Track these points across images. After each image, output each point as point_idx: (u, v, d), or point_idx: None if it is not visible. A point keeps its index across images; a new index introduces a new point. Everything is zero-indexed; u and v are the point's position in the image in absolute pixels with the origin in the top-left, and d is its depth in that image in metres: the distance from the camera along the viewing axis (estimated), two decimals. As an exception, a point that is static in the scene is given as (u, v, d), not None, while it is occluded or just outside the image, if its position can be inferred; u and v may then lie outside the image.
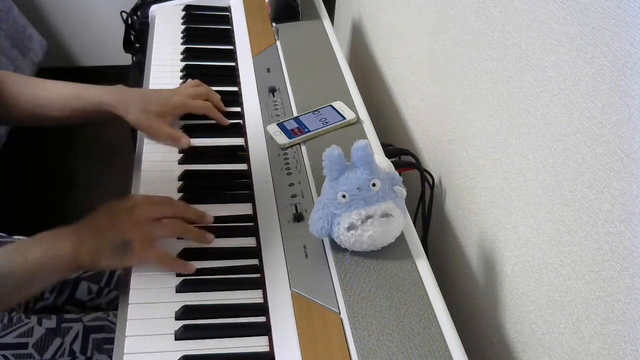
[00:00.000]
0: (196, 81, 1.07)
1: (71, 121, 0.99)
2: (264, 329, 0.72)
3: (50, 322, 0.93)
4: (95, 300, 1.05)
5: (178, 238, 0.81)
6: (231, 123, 1.04)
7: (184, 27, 1.30)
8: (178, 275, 0.78)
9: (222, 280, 0.78)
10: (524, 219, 0.78)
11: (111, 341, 0.91)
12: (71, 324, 0.93)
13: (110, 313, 0.98)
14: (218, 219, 0.86)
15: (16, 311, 0.98)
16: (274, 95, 1.09)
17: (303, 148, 0.97)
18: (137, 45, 1.80)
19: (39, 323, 0.92)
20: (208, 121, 1.03)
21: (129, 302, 0.74)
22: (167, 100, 1.00)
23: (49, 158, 2.18)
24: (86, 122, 1.01)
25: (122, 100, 0.96)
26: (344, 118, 1.01)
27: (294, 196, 0.88)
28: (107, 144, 2.14)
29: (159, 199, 0.82)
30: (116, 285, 1.05)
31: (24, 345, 0.90)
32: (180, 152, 0.98)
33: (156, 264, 0.77)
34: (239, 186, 0.93)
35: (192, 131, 1.01)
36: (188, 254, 0.80)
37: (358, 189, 0.74)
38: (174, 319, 0.72)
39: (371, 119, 1.04)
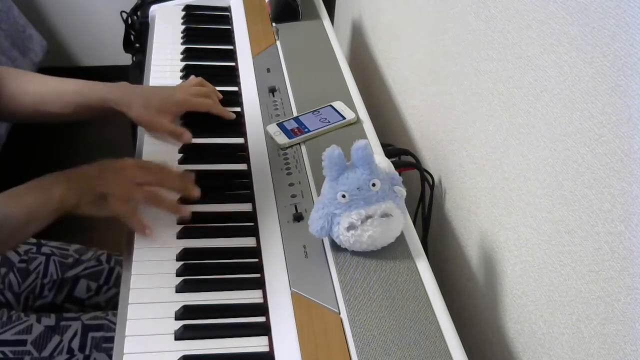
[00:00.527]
0: (199, 79, 1.07)
1: (74, 118, 0.99)
2: (264, 329, 0.72)
3: (49, 320, 0.93)
4: (94, 298, 1.05)
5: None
6: (231, 123, 1.04)
7: (184, 27, 1.30)
8: (178, 275, 0.78)
9: (222, 280, 0.78)
10: (524, 219, 0.78)
11: (110, 340, 0.91)
12: (70, 322, 0.94)
13: (109, 312, 0.98)
14: (218, 219, 0.86)
15: (15, 309, 0.98)
16: (274, 95, 1.09)
17: (303, 148, 0.97)
18: (137, 45, 1.79)
19: (38, 321, 0.92)
20: (208, 120, 1.03)
21: (129, 301, 0.74)
22: (169, 97, 1.00)
23: (49, 158, 2.17)
24: (89, 118, 1.01)
25: (125, 96, 0.96)
26: (344, 118, 1.01)
27: (294, 196, 0.88)
28: (107, 144, 2.14)
29: (148, 165, 0.86)
30: (115, 283, 1.06)
31: (23, 343, 0.90)
32: (180, 151, 0.98)
33: (124, 220, 0.81)
34: (239, 186, 0.93)
35: (192, 131, 1.01)
36: (188, 253, 0.80)
37: (358, 189, 0.74)
38: (174, 319, 0.72)
39: (371, 119, 1.04)
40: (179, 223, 0.84)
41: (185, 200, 0.86)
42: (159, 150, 0.98)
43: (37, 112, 0.96)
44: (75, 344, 0.91)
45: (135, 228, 0.82)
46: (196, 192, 0.85)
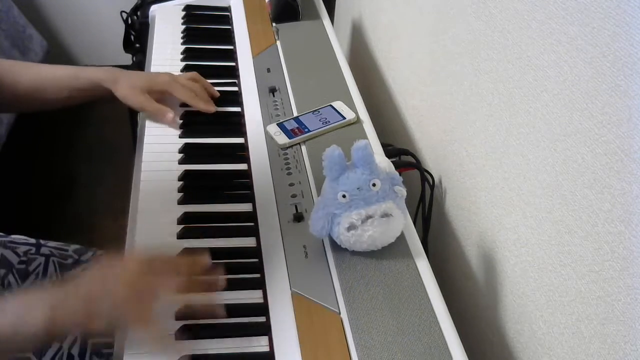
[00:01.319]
0: (194, 73, 1.09)
1: (69, 102, 1.02)
2: (264, 329, 0.72)
3: None
4: None
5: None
6: (231, 123, 1.04)
7: (184, 27, 1.30)
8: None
9: (222, 280, 0.78)
10: (524, 219, 0.78)
11: (110, 345, 0.90)
12: None
13: None
14: (218, 219, 0.86)
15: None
16: (274, 95, 1.09)
17: (303, 148, 0.97)
18: (137, 45, 1.79)
19: None
20: (208, 120, 1.03)
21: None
22: (155, 77, 1.05)
23: (49, 158, 2.17)
24: (82, 101, 1.04)
25: (113, 76, 1.01)
26: (344, 118, 1.01)
27: (294, 196, 0.88)
28: (107, 144, 2.14)
29: (160, 262, 0.71)
30: None
31: None
32: (180, 151, 0.97)
33: (148, 346, 0.68)
34: (239, 186, 0.93)
35: (192, 131, 1.01)
36: (188, 253, 0.80)
37: (358, 189, 0.74)
38: (174, 319, 0.72)
39: (371, 119, 1.04)
40: (178, 223, 0.82)
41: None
42: (158, 150, 0.98)
43: (34, 100, 0.99)
44: (75, 350, 0.91)
45: (168, 354, 0.68)
46: (222, 281, 0.72)
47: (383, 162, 0.80)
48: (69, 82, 1.00)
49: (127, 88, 1.00)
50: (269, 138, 0.99)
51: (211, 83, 1.09)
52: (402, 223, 0.79)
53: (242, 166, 0.96)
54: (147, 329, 0.66)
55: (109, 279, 0.67)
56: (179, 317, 0.72)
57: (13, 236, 1.05)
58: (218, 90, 1.08)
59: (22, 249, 1.05)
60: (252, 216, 0.87)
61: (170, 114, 1.01)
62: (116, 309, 0.65)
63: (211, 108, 1.05)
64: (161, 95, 1.04)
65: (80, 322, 0.65)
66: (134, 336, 0.67)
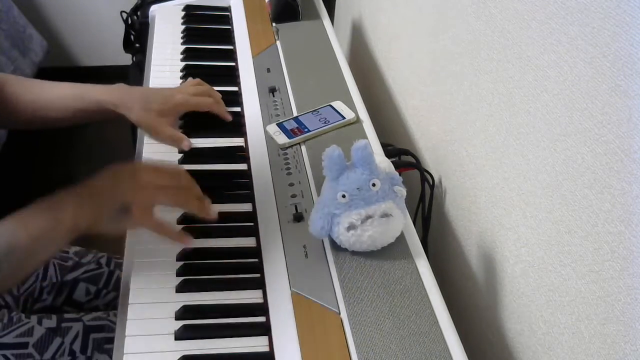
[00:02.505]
0: (197, 80, 1.06)
1: (73, 122, 0.98)
2: (264, 329, 0.72)
3: (51, 322, 0.93)
4: (94, 301, 1.05)
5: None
6: (231, 123, 1.04)
7: (184, 27, 1.30)
8: (178, 275, 0.78)
9: (222, 280, 0.78)
10: (524, 219, 0.78)
11: (111, 341, 0.90)
12: (71, 323, 0.93)
13: (110, 313, 0.97)
14: (218, 219, 0.86)
15: (16, 311, 0.98)
16: (274, 95, 1.09)
17: (303, 148, 0.97)
18: (137, 45, 1.80)
19: (39, 323, 0.92)
20: (208, 120, 1.03)
21: (129, 302, 0.74)
22: (169, 98, 0.99)
23: (49, 158, 2.17)
24: (88, 122, 1.00)
25: (124, 99, 0.95)
26: (344, 118, 1.01)
27: (294, 196, 0.88)
28: (107, 144, 2.14)
29: (165, 167, 0.81)
30: (115, 287, 1.05)
31: (24, 345, 0.89)
32: (180, 152, 0.98)
33: (153, 231, 0.76)
34: (239, 186, 0.93)
35: (192, 131, 1.01)
36: (188, 253, 0.80)
37: (358, 189, 0.74)
38: (174, 319, 0.72)
39: (371, 119, 1.04)
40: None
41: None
42: (158, 150, 0.98)
43: (36, 118, 0.95)
44: (77, 346, 0.91)
45: (173, 239, 0.77)
46: (212, 210, 0.80)
47: (383, 162, 0.80)
48: (74, 103, 0.95)
49: (140, 110, 0.95)
50: (268, 138, 0.99)
51: (211, 83, 1.09)
52: (402, 223, 0.79)
53: (242, 166, 0.96)
54: (148, 216, 0.74)
55: (117, 175, 0.75)
56: (178, 317, 0.72)
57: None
58: (218, 91, 1.08)
59: None
60: (252, 216, 0.87)
61: (186, 142, 0.97)
62: (122, 197, 0.73)
63: (228, 117, 1.03)
64: (177, 115, 1.00)
65: (96, 217, 0.71)
66: (141, 225, 0.75)
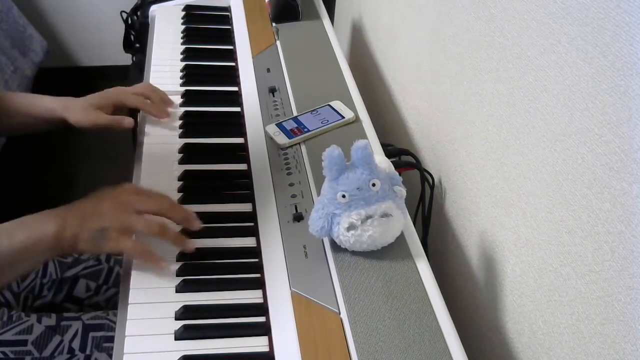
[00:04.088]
0: (147, 83, 1.09)
1: (24, 129, 1.04)
2: (264, 329, 0.72)
3: (50, 320, 0.93)
4: (94, 297, 1.05)
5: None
6: (231, 123, 1.04)
7: (184, 27, 1.30)
8: (178, 275, 0.78)
9: (222, 280, 0.78)
10: (524, 219, 0.78)
11: (110, 339, 0.91)
12: (70, 322, 0.94)
13: (109, 312, 0.98)
14: (218, 219, 0.86)
15: (15, 309, 0.98)
16: (274, 95, 1.09)
17: (303, 148, 0.97)
18: (137, 45, 1.80)
19: (39, 321, 0.92)
20: (208, 120, 1.03)
21: (129, 302, 0.74)
22: (105, 93, 1.03)
23: (49, 158, 2.17)
24: (41, 130, 1.04)
25: (66, 104, 1.00)
26: (343, 117, 1.01)
27: (294, 196, 0.88)
28: (107, 144, 2.14)
29: (148, 192, 0.82)
30: (114, 283, 1.06)
31: (23, 343, 0.90)
32: (180, 151, 0.98)
33: (129, 255, 0.78)
34: (239, 186, 0.93)
35: (192, 131, 1.01)
36: (187, 256, 0.80)
37: (358, 189, 0.74)
38: (174, 319, 0.72)
39: (371, 119, 1.04)
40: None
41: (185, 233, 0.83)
42: (158, 150, 0.98)
43: (3, 125, 1.01)
44: (76, 344, 0.91)
45: (145, 262, 0.77)
46: (199, 223, 0.81)
47: (383, 162, 0.80)
48: (24, 109, 1.00)
49: (78, 111, 0.99)
50: (268, 138, 0.99)
51: (211, 83, 1.09)
52: (402, 223, 0.79)
53: (242, 166, 0.96)
54: (126, 239, 0.76)
55: (100, 198, 0.78)
56: (178, 317, 0.72)
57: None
58: (218, 91, 1.08)
59: None
60: (252, 216, 0.87)
61: (127, 120, 0.99)
62: (101, 219, 0.75)
63: (163, 115, 1.04)
64: (114, 108, 1.03)
65: (76, 236, 0.74)
66: (118, 247, 0.76)
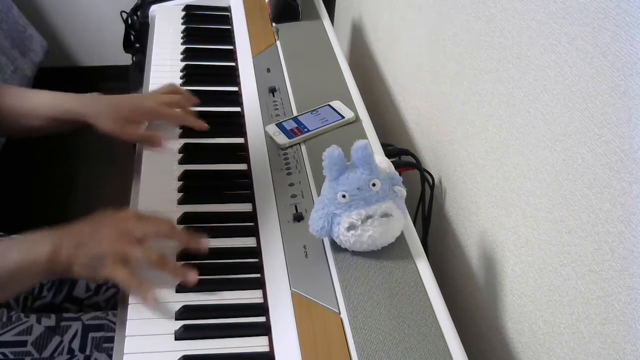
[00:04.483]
0: (172, 85, 1.04)
1: (48, 131, 0.98)
2: (264, 329, 0.72)
3: (50, 321, 0.93)
4: (94, 298, 1.05)
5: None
6: (231, 123, 1.04)
7: (184, 27, 1.30)
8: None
9: (222, 280, 0.78)
10: (524, 219, 0.78)
11: (110, 340, 0.91)
12: (70, 322, 0.94)
13: (109, 312, 0.98)
14: (218, 219, 0.86)
15: (15, 310, 0.98)
16: (274, 95, 1.09)
17: (303, 148, 0.97)
18: (137, 45, 1.80)
19: (38, 321, 0.92)
20: (209, 120, 1.03)
21: (129, 301, 0.74)
22: (139, 105, 0.98)
23: (49, 158, 2.17)
24: (62, 131, 1.00)
25: (93, 108, 0.95)
26: (343, 117, 1.01)
27: (294, 196, 0.88)
28: (107, 144, 2.13)
29: (149, 218, 0.79)
30: (114, 283, 1.06)
31: (23, 343, 0.90)
32: (180, 151, 0.98)
33: (122, 287, 0.75)
34: (239, 186, 0.93)
35: (192, 131, 1.01)
36: (187, 256, 0.80)
37: (358, 189, 0.74)
38: (174, 319, 0.72)
39: (371, 119, 1.04)
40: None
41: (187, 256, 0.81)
42: (159, 150, 0.98)
43: (19, 126, 0.95)
44: (76, 345, 0.91)
45: (136, 296, 0.74)
46: (203, 245, 0.79)
47: (383, 162, 0.80)
48: (49, 112, 0.94)
49: (109, 121, 0.94)
50: (268, 138, 0.99)
51: (211, 83, 1.09)
52: (402, 223, 0.79)
53: (242, 166, 0.96)
54: (121, 268, 0.72)
55: (99, 222, 0.76)
56: (178, 317, 0.72)
57: (13, 236, 1.05)
58: (218, 91, 1.08)
59: None
60: (252, 216, 0.87)
61: (158, 139, 0.95)
62: (98, 246, 0.73)
63: (203, 126, 1.00)
64: (147, 122, 0.99)
65: (71, 261, 0.72)
66: (112, 276, 0.73)
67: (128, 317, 0.72)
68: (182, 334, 0.71)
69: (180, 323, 0.72)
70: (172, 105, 1.00)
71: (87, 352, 0.91)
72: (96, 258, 0.73)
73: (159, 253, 0.75)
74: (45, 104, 0.95)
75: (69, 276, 0.73)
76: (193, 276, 0.75)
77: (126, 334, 0.70)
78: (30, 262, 0.71)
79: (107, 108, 0.95)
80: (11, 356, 0.88)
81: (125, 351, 0.68)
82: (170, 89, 1.03)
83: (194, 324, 0.72)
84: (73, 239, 0.73)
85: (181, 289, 0.76)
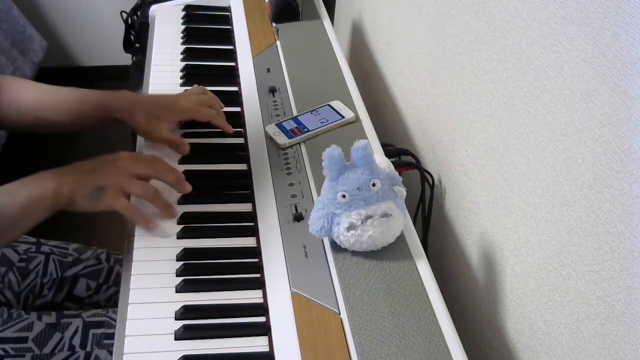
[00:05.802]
0: (201, 88, 1.04)
1: (73, 127, 0.97)
2: (264, 329, 0.72)
3: (50, 318, 0.93)
4: (94, 297, 1.05)
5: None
6: (231, 123, 1.04)
7: (184, 27, 1.30)
8: (178, 275, 0.78)
9: (222, 280, 0.78)
10: (524, 219, 0.78)
11: (111, 336, 0.91)
12: (71, 319, 0.94)
13: (109, 309, 0.98)
14: (218, 219, 0.86)
15: (15, 308, 0.98)
16: (274, 95, 1.08)
17: (303, 148, 0.97)
18: (137, 45, 1.80)
19: (39, 318, 0.93)
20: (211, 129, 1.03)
21: (129, 302, 0.74)
22: (172, 105, 0.98)
23: (49, 158, 2.17)
24: (88, 127, 0.99)
25: (126, 104, 0.95)
26: (343, 117, 1.01)
27: (294, 196, 0.88)
28: (107, 144, 2.13)
29: (143, 157, 0.87)
30: (115, 282, 1.06)
31: (24, 340, 0.90)
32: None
33: (123, 214, 0.81)
34: (239, 186, 0.93)
35: (192, 131, 1.01)
36: (188, 253, 0.80)
37: (358, 189, 0.74)
38: (174, 319, 0.72)
39: (371, 118, 1.04)
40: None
41: (184, 199, 0.86)
42: (159, 150, 0.98)
43: (38, 120, 0.94)
44: (77, 341, 0.91)
45: (137, 221, 0.81)
46: (189, 187, 0.85)
47: (383, 162, 0.80)
48: (76, 106, 0.94)
49: (143, 117, 0.94)
50: (268, 138, 0.99)
51: (211, 83, 1.09)
52: (402, 223, 0.79)
53: (242, 166, 0.96)
54: (120, 199, 0.79)
55: (98, 161, 0.82)
56: (178, 317, 0.72)
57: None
58: (218, 91, 1.08)
59: (22, 247, 1.05)
60: (252, 216, 0.87)
61: (185, 146, 0.95)
62: (99, 179, 0.79)
63: (230, 129, 1.00)
64: (178, 123, 0.99)
65: (74, 193, 0.78)
66: (113, 205, 0.79)
67: (128, 317, 0.72)
68: (182, 334, 0.71)
69: (180, 323, 0.72)
70: (204, 106, 1.00)
71: (88, 349, 0.91)
72: (97, 190, 0.79)
73: (154, 188, 0.82)
74: (69, 98, 0.95)
75: (71, 208, 0.78)
76: (176, 211, 0.84)
77: (126, 333, 0.70)
78: (38, 197, 0.76)
79: (142, 106, 0.95)
80: (12, 352, 0.88)
81: (125, 351, 0.68)
82: (200, 90, 1.04)
83: (194, 324, 0.72)
84: (74, 174, 0.79)
85: (181, 288, 0.76)
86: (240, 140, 1.01)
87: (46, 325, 0.92)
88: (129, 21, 1.77)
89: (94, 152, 0.84)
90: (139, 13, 1.74)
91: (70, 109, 0.94)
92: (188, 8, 1.36)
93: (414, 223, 1.00)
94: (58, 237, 1.11)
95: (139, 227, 0.82)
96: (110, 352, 0.69)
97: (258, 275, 0.79)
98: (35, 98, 0.94)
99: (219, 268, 0.79)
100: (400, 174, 0.79)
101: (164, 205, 0.84)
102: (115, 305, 0.76)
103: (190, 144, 0.99)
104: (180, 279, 0.77)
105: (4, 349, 0.89)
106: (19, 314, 0.93)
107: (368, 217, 0.75)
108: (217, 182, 0.94)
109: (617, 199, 0.59)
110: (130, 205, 0.81)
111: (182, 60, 1.20)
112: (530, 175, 0.76)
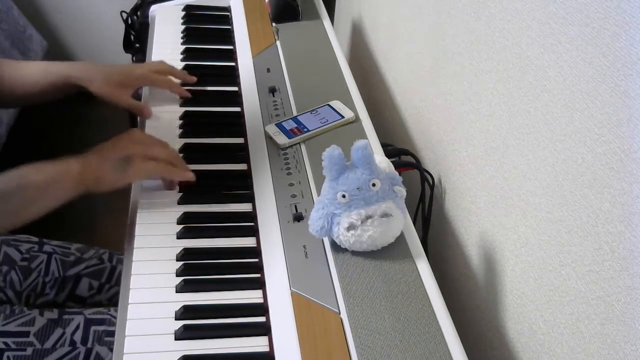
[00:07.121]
0: (160, 61, 1.11)
1: (42, 98, 1.03)
2: (264, 329, 0.72)
3: (52, 314, 0.93)
4: (96, 296, 1.05)
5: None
6: (231, 123, 1.04)
7: (184, 27, 1.30)
8: (178, 275, 0.78)
9: (222, 280, 0.78)
10: (524, 219, 0.78)
11: (112, 334, 0.91)
12: (73, 316, 0.94)
13: (111, 308, 0.98)
14: (218, 219, 0.86)
15: (18, 304, 0.98)
16: (274, 95, 1.08)
17: (303, 148, 0.97)
18: (137, 45, 1.79)
19: (41, 314, 0.93)
20: (209, 120, 1.03)
21: (129, 301, 0.74)
22: (130, 72, 1.05)
23: (49, 158, 2.17)
24: (56, 97, 1.04)
25: (86, 72, 1.01)
26: (343, 117, 1.01)
27: (294, 196, 0.88)
28: (109, 139, 2.14)
29: (155, 138, 0.91)
30: (117, 282, 1.06)
31: (26, 334, 0.90)
32: (180, 151, 0.98)
33: (156, 173, 0.86)
34: (239, 186, 0.93)
35: (192, 131, 1.01)
36: (188, 253, 0.80)
37: (358, 189, 0.74)
38: (174, 319, 0.72)
39: (371, 118, 1.04)
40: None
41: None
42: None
43: (11, 96, 1.00)
44: (78, 337, 0.92)
45: (173, 175, 0.87)
46: (191, 175, 0.89)
47: (383, 162, 0.80)
48: (42, 79, 1.01)
49: (102, 83, 1.01)
50: (268, 138, 0.99)
51: (211, 83, 1.09)
52: (402, 223, 0.79)
53: (242, 166, 0.96)
54: (148, 162, 0.84)
55: (115, 139, 0.87)
56: (178, 317, 0.72)
57: (17, 235, 1.06)
58: (218, 91, 1.08)
59: (24, 247, 1.05)
60: (252, 216, 0.87)
61: (147, 110, 1.03)
62: (122, 150, 0.84)
63: (186, 93, 1.07)
64: (137, 88, 1.06)
65: (100, 169, 0.82)
66: (143, 169, 0.85)
67: (128, 317, 0.72)
68: (182, 334, 0.71)
69: (180, 323, 0.72)
70: (161, 74, 1.07)
71: (89, 345, 0.91)
72: (123, 160, 0.83)
73: (175, 150, 0.90)
74: (38, 70, 1.01)
75: (100, 186, 0.81)
76: (191, 175, 0.89)
77: (126, 333, 0.70)
78: (64, 173, 0.80)
79: (100, 72, 1.02)
80: (13, 346, 0.89)
81: (125, 351, 0.68)
82: (159, 63, 1.10)
83: (194, 324, 0.72)
84: (96, 155, 0.84)
85: (181, 288, 0.76)
86: (240, 140, 1.01)
87: (48, 321, 0.92)
88: (129, 21, 1.77)
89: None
90: (139, 13, 1.73)
91: (36, 81, 1.00)
92: (188, 8, 1.36)
93: (414, 223, 1.00)
94: (60, 238, 1.11)
95: (177, 177, 0.88)
96: (111, 350, 0.70)
97: (258, 275, 0.79)
98: (9, 75, 0.99)
99: (219, 268, 0.80)
100: (400, 174, 0.79)
101: (184, 167, 0.89)
102: (117, 305, 0.76)
103: (191, 144, 0.99)
104: (180, 279, 0.77)
105: (5, 343, 0.89)
106: (21, 310, 0.94)
107: (368, 217, 0.75)
108: (217, 182, 0.94)
109: (617, 199, 0.59)
110: (159, 163, 0.85)
111: (182, 60, 1.20)
112: (530, 175, 0.76)
